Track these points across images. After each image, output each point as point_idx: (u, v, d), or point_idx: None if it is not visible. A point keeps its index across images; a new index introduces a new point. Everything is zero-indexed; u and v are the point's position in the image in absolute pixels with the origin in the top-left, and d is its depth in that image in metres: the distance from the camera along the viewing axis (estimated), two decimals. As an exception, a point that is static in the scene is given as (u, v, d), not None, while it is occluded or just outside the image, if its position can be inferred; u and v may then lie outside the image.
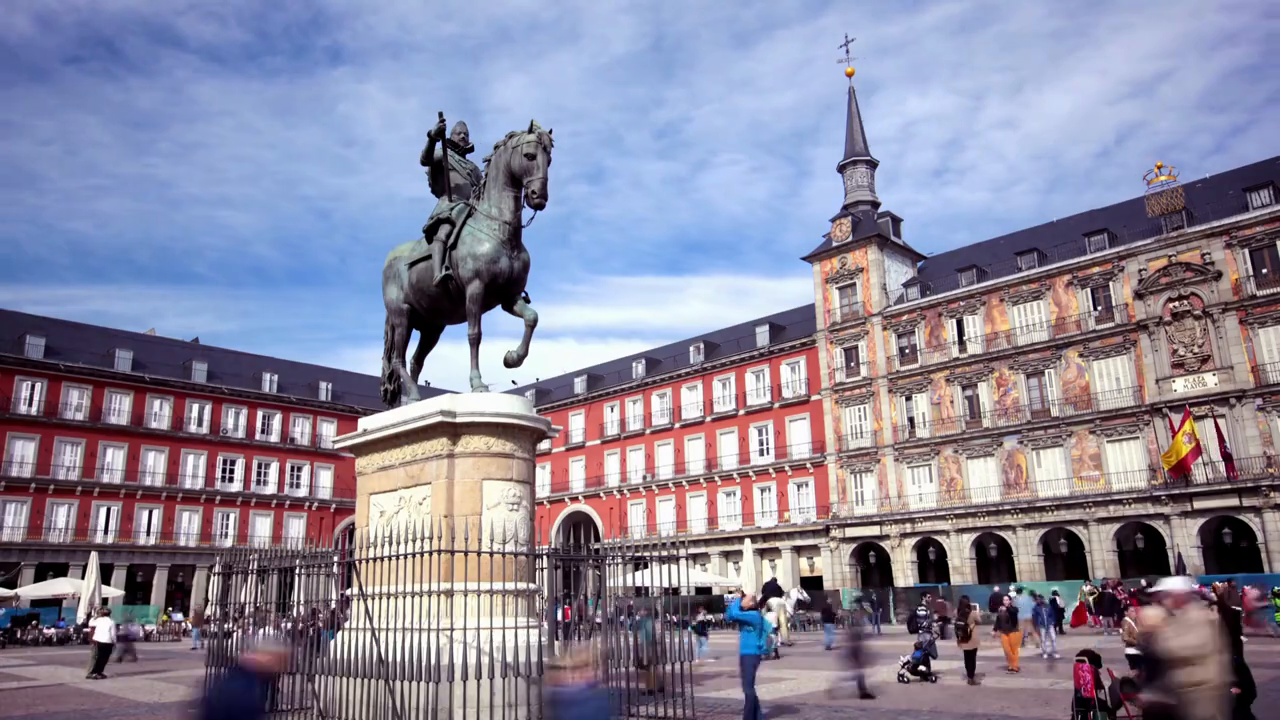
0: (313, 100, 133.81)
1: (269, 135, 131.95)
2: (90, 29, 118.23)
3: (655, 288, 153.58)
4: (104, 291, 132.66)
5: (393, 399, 13.18)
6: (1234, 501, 34.86)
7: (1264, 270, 35.86)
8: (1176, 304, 37.39)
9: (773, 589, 32.52)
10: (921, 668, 16.20)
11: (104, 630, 20.86)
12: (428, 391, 14.96)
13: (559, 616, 15.87)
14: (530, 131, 11.44)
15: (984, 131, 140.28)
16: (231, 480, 54.76)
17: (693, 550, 47.85)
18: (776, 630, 26.00)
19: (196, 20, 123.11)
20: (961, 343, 43.78)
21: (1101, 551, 37.93)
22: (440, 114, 12.12)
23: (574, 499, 59.49)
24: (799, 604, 37.33)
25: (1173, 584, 6.61)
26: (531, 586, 11.12)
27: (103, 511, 49.32)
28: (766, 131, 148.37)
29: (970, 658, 15.92)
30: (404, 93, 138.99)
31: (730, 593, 40.20)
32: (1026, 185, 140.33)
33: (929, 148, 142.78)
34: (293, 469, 57.76)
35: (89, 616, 29.76)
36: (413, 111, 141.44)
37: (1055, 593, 32.19)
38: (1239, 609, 24.66)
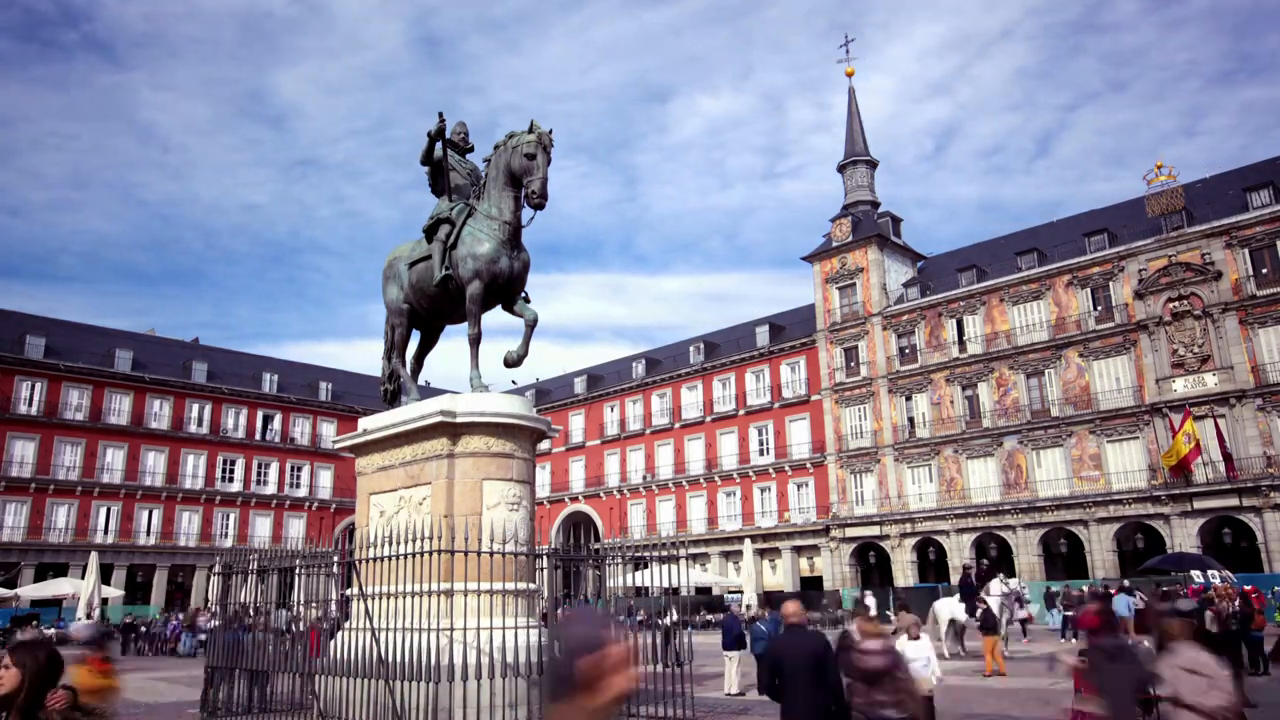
0: (108, 105, 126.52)
1: (84, 141, 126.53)
2: None
3: (530, 284, 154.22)
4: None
5: (393, 399, 13.19)
6: (1234, 501, 34.85)
7: (1264, 270, 35.84)
8: (1176, 304, 37.37)
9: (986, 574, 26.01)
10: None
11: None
12: (428, 391, 14.95)
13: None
14: (530, 132, 11.45)
15: (800, 137, 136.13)
16: (231, 480, 54.72)
17: (693, 550, 47.82)
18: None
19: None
20: (961, 343, 43.77)
21: (1101, 551, 37.93)
22: (440, 114, 12.11)
23: (574, 499, 59.46)
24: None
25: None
26: (531, 586, 11.11)
27: (103, 511, 49.27)
28: (578, 136, 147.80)
29: None
30: (194, 97, 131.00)
31: (732, 592, 39.99)
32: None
33: (746, 151, 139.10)
34: (293, 469, 57.72)
35: (87, 616, 29.82)
36: (207, 116, 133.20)
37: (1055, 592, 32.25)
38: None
